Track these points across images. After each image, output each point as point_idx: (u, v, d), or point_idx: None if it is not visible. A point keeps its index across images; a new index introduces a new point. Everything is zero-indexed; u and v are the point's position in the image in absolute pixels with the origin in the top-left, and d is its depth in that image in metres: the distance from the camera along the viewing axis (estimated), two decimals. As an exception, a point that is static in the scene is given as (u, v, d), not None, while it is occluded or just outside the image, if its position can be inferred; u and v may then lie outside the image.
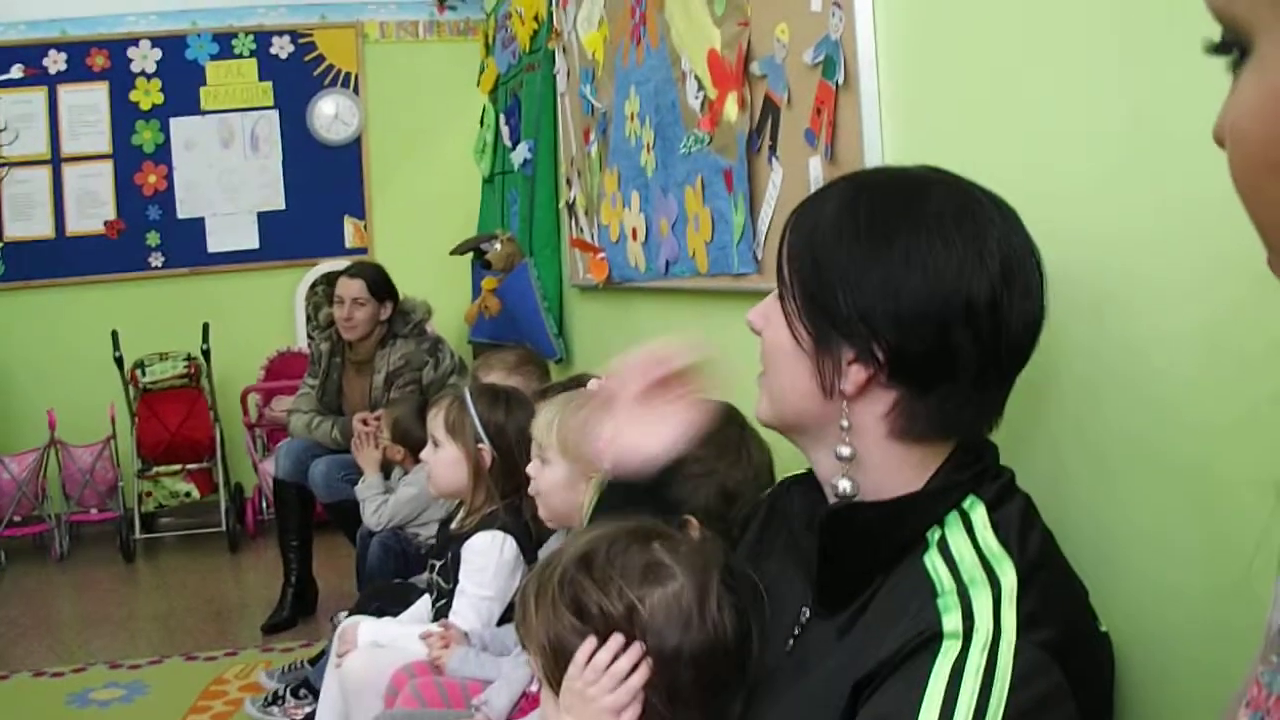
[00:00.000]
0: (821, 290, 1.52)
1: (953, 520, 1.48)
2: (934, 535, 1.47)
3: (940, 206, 1.49)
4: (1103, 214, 1.74)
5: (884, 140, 2.38)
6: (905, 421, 1.51)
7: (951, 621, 1.36)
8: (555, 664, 1.70)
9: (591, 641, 1.66)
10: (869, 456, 1.55)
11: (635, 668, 1.64)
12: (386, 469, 4.86)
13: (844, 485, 1.55)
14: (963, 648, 1.33)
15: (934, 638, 1.35)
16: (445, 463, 3.40)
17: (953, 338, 1.46)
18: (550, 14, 5.32)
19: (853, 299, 1.49)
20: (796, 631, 1.63)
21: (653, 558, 1.68)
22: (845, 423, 1.54)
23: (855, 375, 1.50)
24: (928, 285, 1.45)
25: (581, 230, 4.92)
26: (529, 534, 3.23)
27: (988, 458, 1.57)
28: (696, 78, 3.37)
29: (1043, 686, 1.33)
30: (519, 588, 3.16)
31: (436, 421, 3.43)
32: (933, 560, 1.44)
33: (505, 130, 6.43)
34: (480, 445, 3.36)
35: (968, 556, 1.43)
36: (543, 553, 3.02)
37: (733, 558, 1.75)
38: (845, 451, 1.54)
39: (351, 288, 5.52)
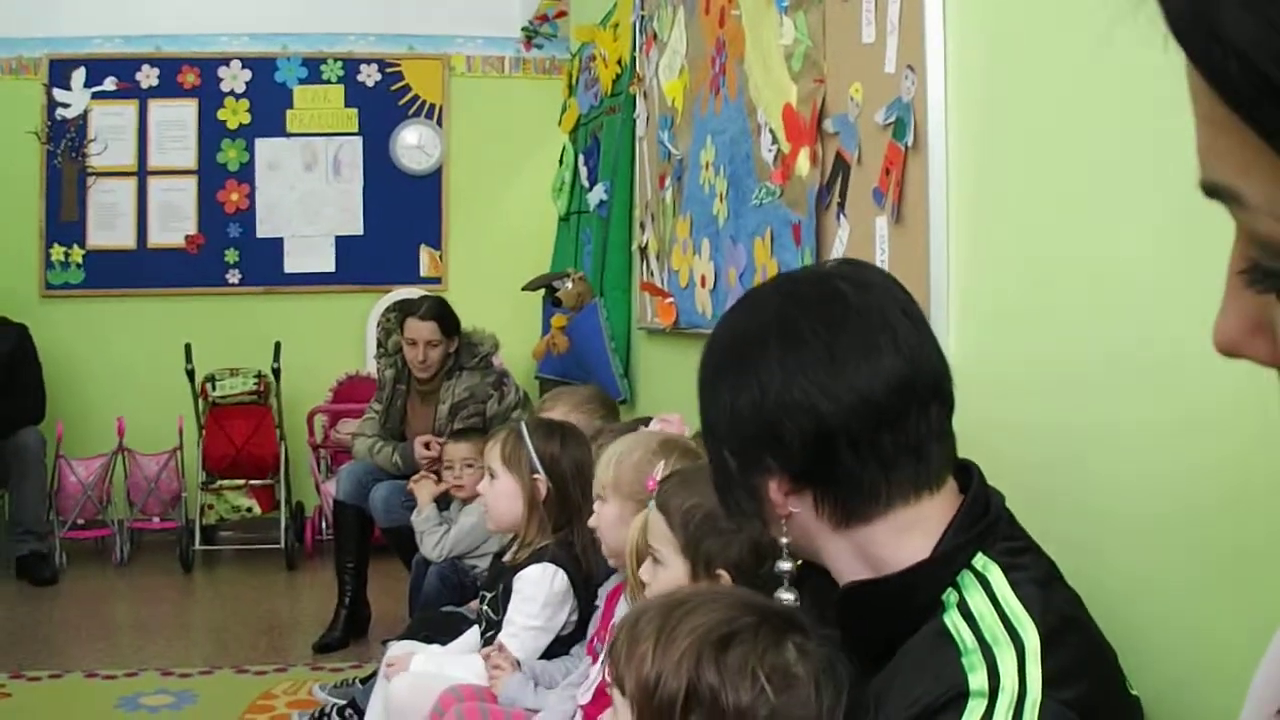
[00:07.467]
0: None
1: (967, 581, 1.48)
2: (951, 598, 1.48)
3: (758, 333, 1.59)
4: (1155, 293, 1.76)
5: (949, 204, 2.39)
6: (832, 511, 1.56)
7: (977, 680, 1.37)
8: (640, 714, 1.62)
9: None
10: (836, 553, 1.59)
11: None
12: (443, 500, 4.89)
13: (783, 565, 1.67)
14: (988, 707, 1.34)
15: (960, 696, 1.37)
16: (501, 495, 3.42)
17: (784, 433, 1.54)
18: (634, 59, 5.37)
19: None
20: None
21: (784, 661, 1.60)
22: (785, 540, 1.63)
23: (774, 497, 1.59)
24: (756, 405, 1.56)
25: (652, 274, 4.96)
26: (580, 567, 3.25)
27: (993, 513, 1.55)
28: (771, 131, 3.40)
29: None
30: (588, 614, 3.20)
31: (493, 454, 3.45)
32: (953, 620, 1.45)
33: (583, 170, 6.49)
34: (535, 476, 3.37)
35: (988, 615, 1.43)
36: (603, 592, 3.04)
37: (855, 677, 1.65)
38: (785, 566, 1.66)
39: (424, 330, 5.54)
